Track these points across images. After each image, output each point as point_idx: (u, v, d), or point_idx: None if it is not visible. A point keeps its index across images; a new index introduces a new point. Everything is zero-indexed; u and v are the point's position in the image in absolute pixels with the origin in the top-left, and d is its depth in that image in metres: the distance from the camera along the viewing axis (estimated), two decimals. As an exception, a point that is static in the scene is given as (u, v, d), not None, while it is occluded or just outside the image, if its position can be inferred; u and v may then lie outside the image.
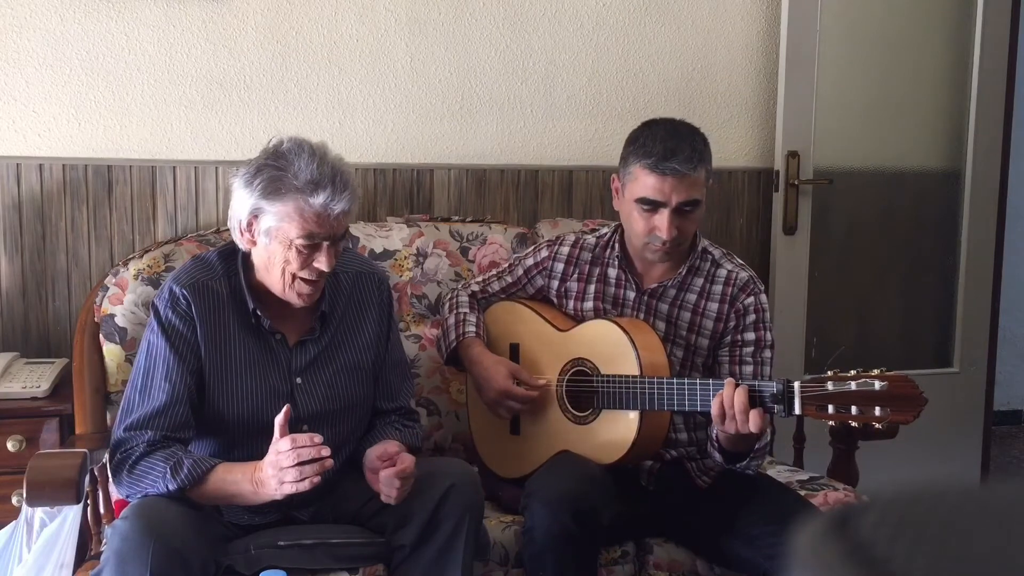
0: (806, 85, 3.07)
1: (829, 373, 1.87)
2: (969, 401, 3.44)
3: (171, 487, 1.83)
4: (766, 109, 3.11)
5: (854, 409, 1.82)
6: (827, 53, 3.11)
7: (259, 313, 1.98)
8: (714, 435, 2.05)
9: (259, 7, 2.70)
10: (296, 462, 1.78)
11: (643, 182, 2.08)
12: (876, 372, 1.83)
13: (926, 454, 3.22)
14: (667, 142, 2.07)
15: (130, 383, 1.97)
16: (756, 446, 2.03)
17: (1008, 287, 3.80)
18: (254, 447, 1.91)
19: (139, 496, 1.86)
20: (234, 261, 2.01)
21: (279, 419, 1.82)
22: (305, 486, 1.79)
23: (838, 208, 3.27)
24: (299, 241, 1.88)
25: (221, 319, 1.97)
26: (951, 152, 3.39)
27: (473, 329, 2.29)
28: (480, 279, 2.43)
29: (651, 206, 2.08)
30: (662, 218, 2.08)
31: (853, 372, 1.85)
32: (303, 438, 1.80)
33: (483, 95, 2.89)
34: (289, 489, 1.80)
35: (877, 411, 1.80)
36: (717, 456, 2.08)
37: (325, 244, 1.90)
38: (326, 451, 1.80)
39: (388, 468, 1.89)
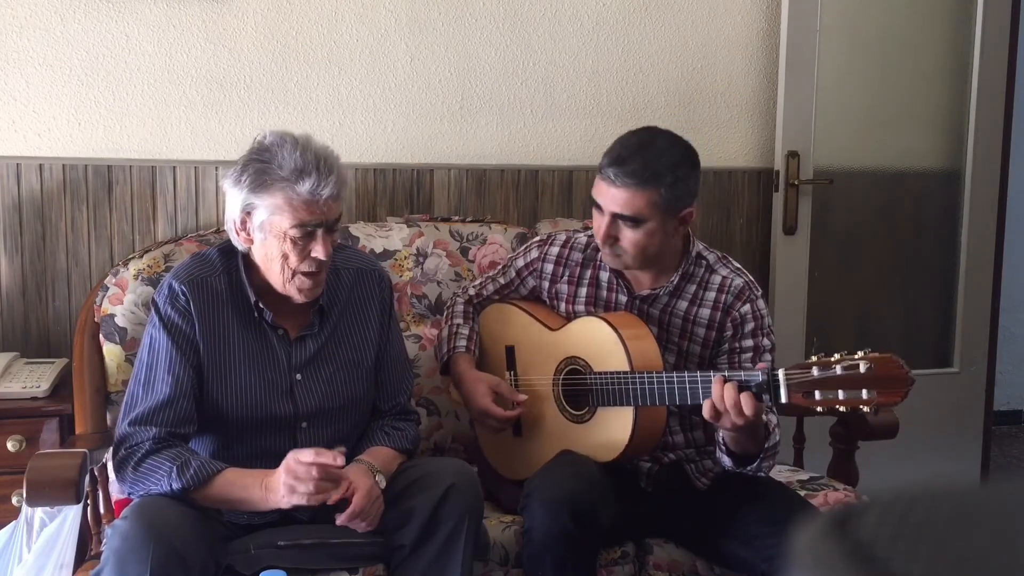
0: (806, 85, 3.07)
1: (813, 359, 1.83)
2: (969, 401, 3.43)
3: (175, 487, 1.83)
4: (766, 109, 3.11)
5: (841, 394, 1.78)
6: (827, 53, 3.11)
7: (261, 306, 1.98)
8: (721, 439, 2.02)
9: (259, 7, 2.70)
10: (318, 478, 1.79)
11: (596, 181, 2.08)
12: (860, 354, 1.78)
13: (926, 454, 3.22)
14: (624, 150, 2.03)
15: (133, 378, 1.97)
16: (765, 445, 2.00)
17: (1008, 287, 3.80)
18: (253, 443, 1.91)
19: (141, 494, 1.86)
20: (234, 258, 2.02)
21: (317, 455, 1.81)
22: (315, 501, 1.81)
23: (838, 208, 3.27)
24: (292, 231, 1.89)
25: (220, 315, 1.97)
26: (951, 152, 3.39)
27: (464, 343, 2.30)
28: (477, 282, 2.43)
29: (597, 208, 2.07)
30: (600, 220, 2.07)
31: (837, 356, 1.81)
32: (328, 454, 1.81)
33: (483, 95, 2.88)
34: (298, 500, 1.81)
35: (864, 394, 1.77)
36: (727, 460, 2.04)
37: (319, 232, 1.91)
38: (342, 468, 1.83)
39: (342, 515, 1.89)
